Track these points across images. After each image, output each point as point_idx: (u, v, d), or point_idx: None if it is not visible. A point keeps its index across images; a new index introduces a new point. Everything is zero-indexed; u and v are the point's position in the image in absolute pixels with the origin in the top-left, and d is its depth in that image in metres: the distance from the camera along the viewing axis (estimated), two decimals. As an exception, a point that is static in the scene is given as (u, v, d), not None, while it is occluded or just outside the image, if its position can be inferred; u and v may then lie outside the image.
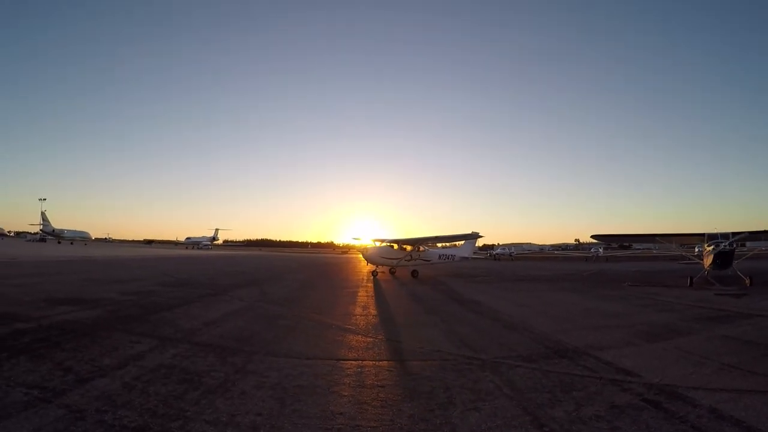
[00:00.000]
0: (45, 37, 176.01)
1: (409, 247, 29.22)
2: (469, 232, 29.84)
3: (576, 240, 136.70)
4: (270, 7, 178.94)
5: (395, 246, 29.16)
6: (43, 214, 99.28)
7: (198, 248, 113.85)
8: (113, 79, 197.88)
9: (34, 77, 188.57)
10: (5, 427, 4.36)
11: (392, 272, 29.78)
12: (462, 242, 33.97)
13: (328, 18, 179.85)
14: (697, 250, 28.70)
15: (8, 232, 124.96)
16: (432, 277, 28.85)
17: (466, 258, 34.38)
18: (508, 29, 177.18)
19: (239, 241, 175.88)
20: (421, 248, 29.94)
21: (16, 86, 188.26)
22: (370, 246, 30.40)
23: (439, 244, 31.82)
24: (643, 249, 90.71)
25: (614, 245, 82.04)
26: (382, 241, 30.50)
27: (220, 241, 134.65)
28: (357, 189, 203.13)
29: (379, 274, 27.85)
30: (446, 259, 31.91)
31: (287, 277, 26.74)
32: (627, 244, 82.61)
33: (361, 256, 31.25)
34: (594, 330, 10.58)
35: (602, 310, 14.30)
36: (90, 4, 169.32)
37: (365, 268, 36.96)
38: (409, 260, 28.97)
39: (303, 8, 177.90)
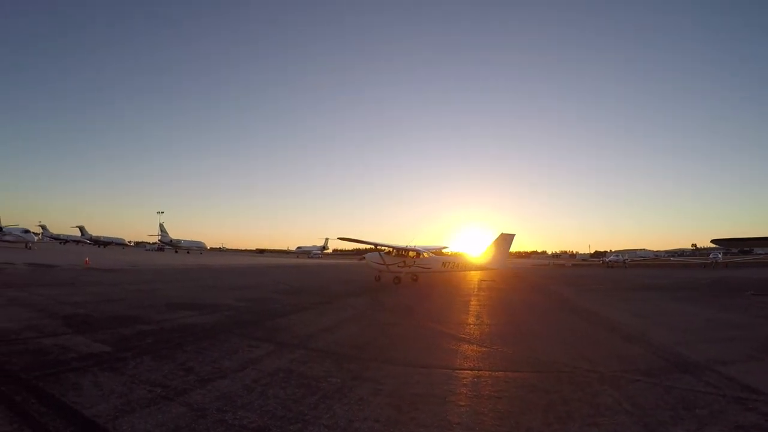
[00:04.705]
0: (147, 53, 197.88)
1: (412, 254, 29.31)
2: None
3: (693, 245, 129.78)
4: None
5: (390, 252, 29.73)
6: (161, 225, 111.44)
7: (309, 257, 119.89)
8: (230, 95, 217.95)
9: (147, 103, 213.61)
10: (130, 421, 4.87)
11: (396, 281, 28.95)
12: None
13: (446, 24, 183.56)
14: None
15: (129, 242, 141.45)
16: (544, 286, 29.50)
17: (490, 268, 30.47)
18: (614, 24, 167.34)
19: (349, 250, 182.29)
20: (425, 254, 29.95)
21: (136, 112, 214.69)
22: (369, 252, 31.39)
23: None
24: (766, 254, 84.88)
25: (734, 250, 77.87)
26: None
27: (329, 250, 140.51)
28: (471, 196, 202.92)
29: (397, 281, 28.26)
30: (453, 268, 30.06)
31: (399, 286, 26.99)
32: (747, 248, 76.82)
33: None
34: (716, 343, 10.49)
35: (724, 321, 14.24)
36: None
37: (475, 276, 38.10)
38: (402, 266, 29.02)
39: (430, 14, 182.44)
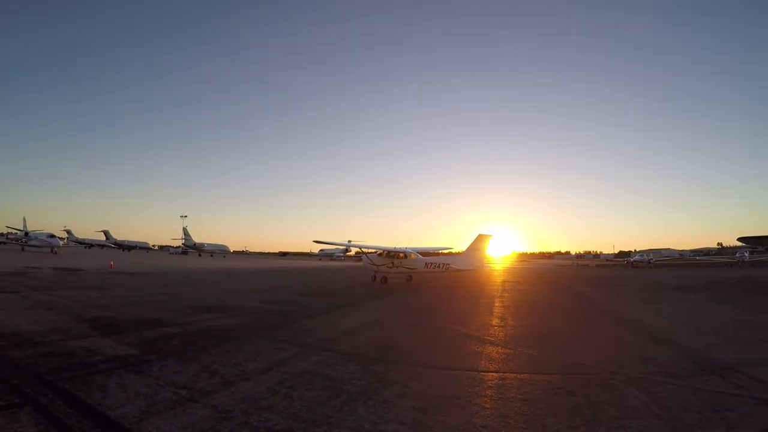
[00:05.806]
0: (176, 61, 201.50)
1: (401, 255, 30.98)
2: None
3: (719, 244, 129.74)
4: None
5: (382, 254, 31.81)
6: (185, 229, 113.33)
7: (331, 259, 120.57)
8: (251, 99, 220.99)
9: (170, 108, 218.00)
10: (156, 423, 4.94)
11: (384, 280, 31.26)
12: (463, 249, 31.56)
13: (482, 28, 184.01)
14: None
15: (153, 246, 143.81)
16: (569, 287, 29.98)
17: (467, 269, 30.79)
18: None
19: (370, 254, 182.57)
20: (413, 255, 31.33)
21: (159, 117, 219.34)
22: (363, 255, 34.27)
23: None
24: None
25: (761, 248, 74.77)
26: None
27: (352, 253, 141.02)
28: (494, 197, 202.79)
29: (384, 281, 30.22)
30: (435, 268, 30.76)
31: (421, 287, 27.26)
32: None
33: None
34: (744, 344, 10.53)
35: (752, 322, 14.15)
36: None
37: (498, 277, 39.30)
38: (391, 267, 30.80)
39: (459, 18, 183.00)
